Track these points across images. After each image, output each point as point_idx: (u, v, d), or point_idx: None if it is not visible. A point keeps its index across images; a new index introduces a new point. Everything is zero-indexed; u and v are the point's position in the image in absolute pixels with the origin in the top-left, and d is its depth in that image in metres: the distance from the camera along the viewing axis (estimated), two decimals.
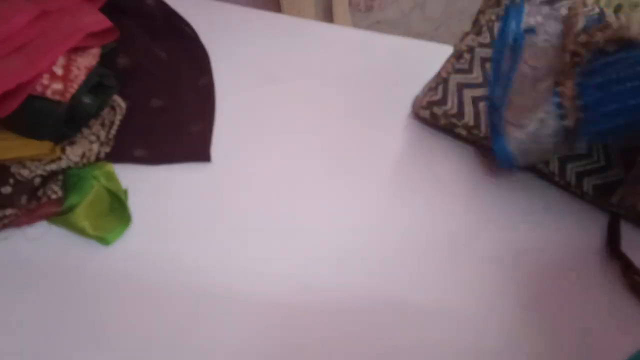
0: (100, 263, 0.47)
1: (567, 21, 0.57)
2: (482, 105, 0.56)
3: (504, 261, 0.50)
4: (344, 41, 0.72)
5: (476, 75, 0.58)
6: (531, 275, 0.49)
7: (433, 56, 0.63)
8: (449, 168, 0.58)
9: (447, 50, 0.62)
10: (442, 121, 0.58)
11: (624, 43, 0.52)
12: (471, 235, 0.53)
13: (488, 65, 0.58)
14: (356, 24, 1.28)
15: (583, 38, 0.54)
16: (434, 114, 0.58)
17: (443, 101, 0.57)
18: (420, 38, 0.77)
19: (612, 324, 0.49)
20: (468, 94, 0.57)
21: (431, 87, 0.59)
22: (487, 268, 0.49)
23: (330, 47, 0.70)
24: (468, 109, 0.56)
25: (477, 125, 0.56)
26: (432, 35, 1.34)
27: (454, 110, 0.56)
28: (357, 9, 1.27)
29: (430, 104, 0.58)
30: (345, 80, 0.66)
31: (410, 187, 0.56)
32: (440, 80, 0.59)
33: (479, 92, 0.57)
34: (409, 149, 0.59)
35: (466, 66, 0.58)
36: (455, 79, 0.58)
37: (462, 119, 0.56)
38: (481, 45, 0.59)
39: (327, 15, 1.14)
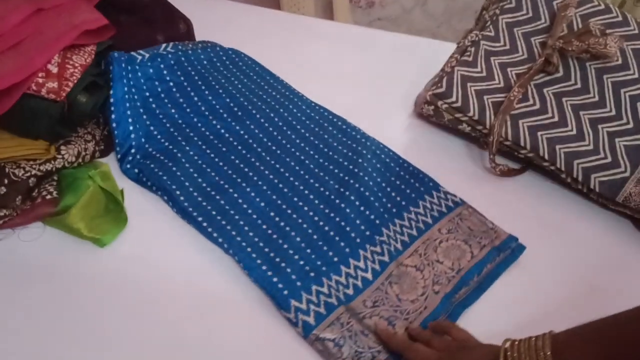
0: (95, 265, 0.46)
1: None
2: (486, 98, 0.55)
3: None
4: (345, 38, 0.71)
5: (480, 69, 0.56)
6: (533, 276, 0.48)
7: (435, 53, 0.63)
8: (452, 166, 0.57)
9: (449, 48, 0.61)
10: (446, 117, 0.57)
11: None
12: None
13: (493, 59, 0.57)
14: (357, 21, 1.27)
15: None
16: (437, 109, 0.57)
17: (448, 93, 0.55)
18: (422, 35, 0.77)
19: None
20: (472, 87, 0.56)
21: (435, 82, 0.58)
22: None
23: (330, 44, 0.70)
24: (472, 102, 0.55)
25: (481, 120, 0.55)
26: (434, 32, 1.33)
27: (459, 104, 0.55)
28: (357, 6, 1.26)
29: (435, 98, 0.56)
30: (346, 78, 0.65)
31: None
32: (444, 74, 0.58)
33: (482, 85, 0.56)
34: (412, 147, 0.58)
35: (470, 59, 0.57)
36: (459, 71, 0.57)
37: (468, 113, 0.55)
38: (485, 38, 0.58)
39: (327, 12, 1.14)
